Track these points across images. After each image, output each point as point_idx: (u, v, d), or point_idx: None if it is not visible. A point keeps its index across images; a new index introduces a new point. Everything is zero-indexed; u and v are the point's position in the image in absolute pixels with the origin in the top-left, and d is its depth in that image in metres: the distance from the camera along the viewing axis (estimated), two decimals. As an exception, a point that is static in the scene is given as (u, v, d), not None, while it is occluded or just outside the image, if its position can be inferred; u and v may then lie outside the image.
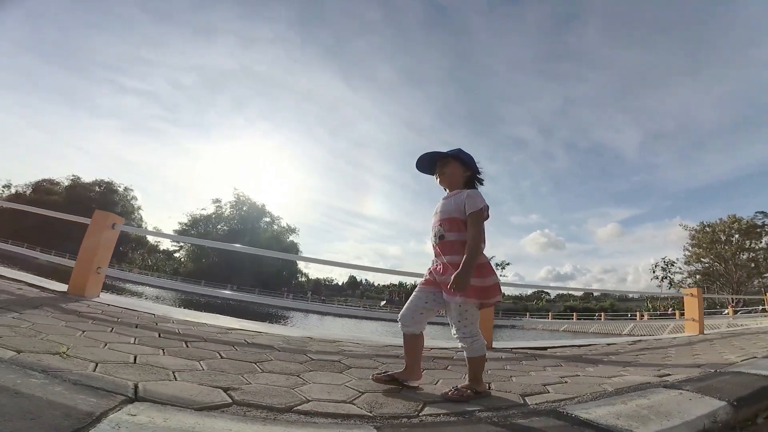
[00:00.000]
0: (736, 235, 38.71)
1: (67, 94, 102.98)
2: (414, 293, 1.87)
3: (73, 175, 55.38)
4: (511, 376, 2.31)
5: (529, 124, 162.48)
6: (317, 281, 78.08)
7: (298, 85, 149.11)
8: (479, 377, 1.77)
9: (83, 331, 2.14)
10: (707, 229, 40.25)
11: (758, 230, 38.02)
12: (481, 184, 1.96)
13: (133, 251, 56.59)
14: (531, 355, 3.28)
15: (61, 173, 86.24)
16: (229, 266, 48.21)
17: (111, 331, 2.31)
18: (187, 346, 2.19)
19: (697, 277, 39.91)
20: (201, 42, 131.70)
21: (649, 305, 40.73)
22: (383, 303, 69.78)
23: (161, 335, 2.42)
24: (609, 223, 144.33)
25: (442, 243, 1.81)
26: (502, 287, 1.91)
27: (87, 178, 56.27)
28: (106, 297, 3.72)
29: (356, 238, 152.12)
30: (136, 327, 2.56)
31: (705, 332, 6.03)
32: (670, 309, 34.22)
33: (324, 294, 67.36)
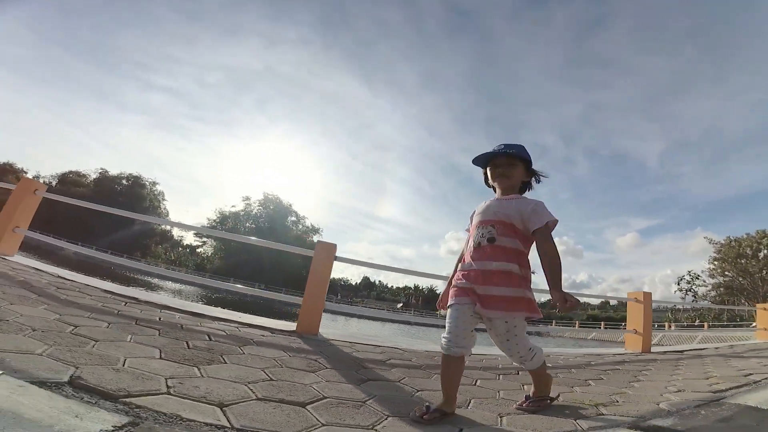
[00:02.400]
0: (765, 251, 38.15)
1: (95, 89, 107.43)
2: (455, 306, 1.60)
3: (101, 168, 57.31)
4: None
5: (551, 130, 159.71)
6: (333, 281, 78.61)
7: (320, 86, 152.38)
8: (547, 383, 1.77)
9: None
10: (733, 243, 39.92)
11: None
12: (529, 190, 1.79)
13: (156, 245, 58.50)
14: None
15: (88, 166, 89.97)
16: (257, 264, 49.01)
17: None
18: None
19: (721, 290, 39.52)
20: (228, 42, 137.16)
21: (671, 316, 40.28)
22: (400, 305, 69.88)
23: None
24: (628, 232, 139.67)
25: (491, 246, 1.61)
26: None
27: (113, 171, 58.09)
28: (20, 258, 3.89)
29: (370, 240, 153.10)
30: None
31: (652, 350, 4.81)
32: (697, 321, 34.14)
33: (340, 294, 67.91)
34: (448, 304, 1.64)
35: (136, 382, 1.31)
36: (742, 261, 38.35)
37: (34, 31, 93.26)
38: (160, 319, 2.49)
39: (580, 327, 39.70)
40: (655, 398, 2.08)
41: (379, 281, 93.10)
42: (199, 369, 1.60)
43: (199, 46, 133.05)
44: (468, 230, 1.81)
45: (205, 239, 58.38)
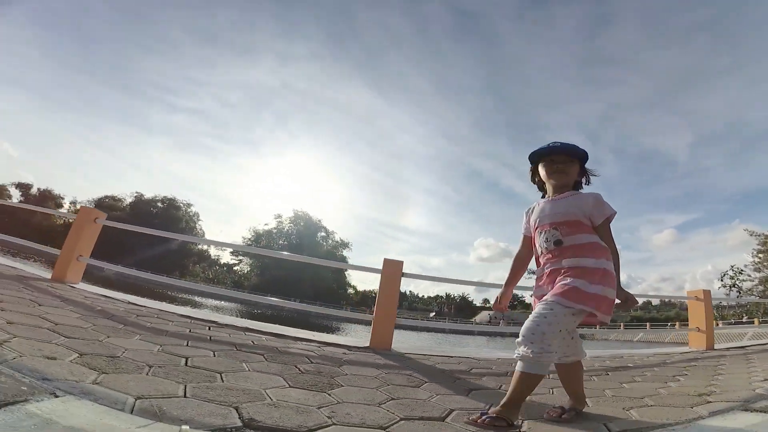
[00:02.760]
0: None
1: (121, 113, 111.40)
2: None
3: (137, 192, 59.74)
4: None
5: (575, 131, 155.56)
6: (364, 293, 78.67)
7: (335, 99, 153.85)
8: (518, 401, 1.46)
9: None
10: None
11: None
12: (580, 189, 1.74)
13: (194, 265, 60.44)
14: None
15: (119, 190, 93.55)
16: (291, 280, 50.38)
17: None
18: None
19: (767, 284, 37.17)
20: (244, 60, 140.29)
21: (717, 314, 38.22)
22: (432, 314, 69.15)
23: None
24: (664, 229, 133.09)
25: (558, 249, 1.58)
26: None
27: (147, 194, 60.19)
28: (84, 285, 3.99)
29: (397, 251, 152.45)
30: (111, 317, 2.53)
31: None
32: (745, 317, 32.72)
33: (371, 306, 67.77)
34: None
35: (302, 417, 1.29)
36: None
37: (51, 56, 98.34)
38: (253, 342, 2.54)
39: (625, 329, 38.01)
40: (747, 387, 2.28)
41: (410, 291, 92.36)
42: (329, 395, 1.63)
43: (217, 67, 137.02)
44: (524, 232, 1.80)
45: (241, 257, 60.02)
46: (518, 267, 1.83)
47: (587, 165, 1.73)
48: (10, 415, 0.91)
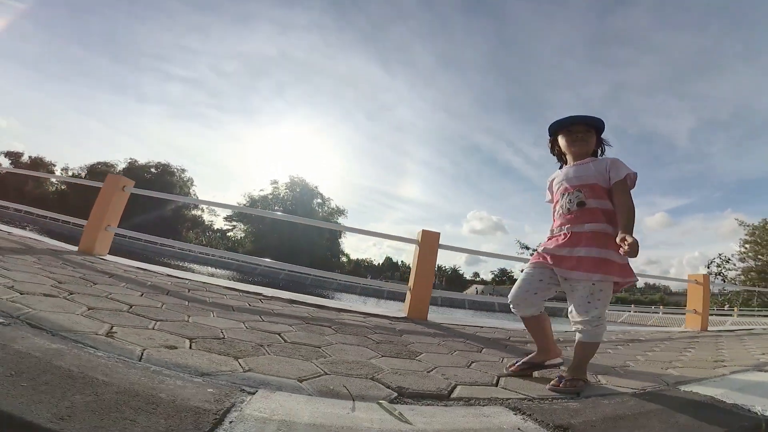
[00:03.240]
0: None
1: (114, 83, 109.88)
2: (525, 272, 1.71)
3: (131, 158, 58.46)
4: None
5: (576, 110, 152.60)
6: (357, 262, 79.55)
7: (336, 69, 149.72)
8: (585, 366, 1.63)
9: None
10: None
11: None
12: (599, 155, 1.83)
13: (187, 231, 60.11)
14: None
15: (114, 157, 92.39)
16: (285, 247, 49.62)
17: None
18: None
19: (752, 274, 38.10)
20: (241, 29, 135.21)
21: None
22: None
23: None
24: (656, 212, 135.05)
25: (581, 211, 1.64)
26: None
27: (141, 161, 59.04)
28: (112, 257, 3.89)
29: (392, 219, 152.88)
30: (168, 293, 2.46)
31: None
32: (726, 305, 33.46)
33: (363, 275, 68.64)
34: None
35: (428, 381, 1.44)
36: None
37: (45, 29, 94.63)
38: (310, 315, 2.60)
39: (610, 310, 39.08)
40: (749, 358, 2.67)
41: (401, 261, 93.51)
42: (420, 361, 1.76)
43: (213, 36, 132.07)
44: (549, 194, 1.88)
45: (235, 223, 59.63)
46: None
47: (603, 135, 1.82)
48: (243, 425, 0.84)
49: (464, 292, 65.33)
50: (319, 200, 60.62)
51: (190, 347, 1.39)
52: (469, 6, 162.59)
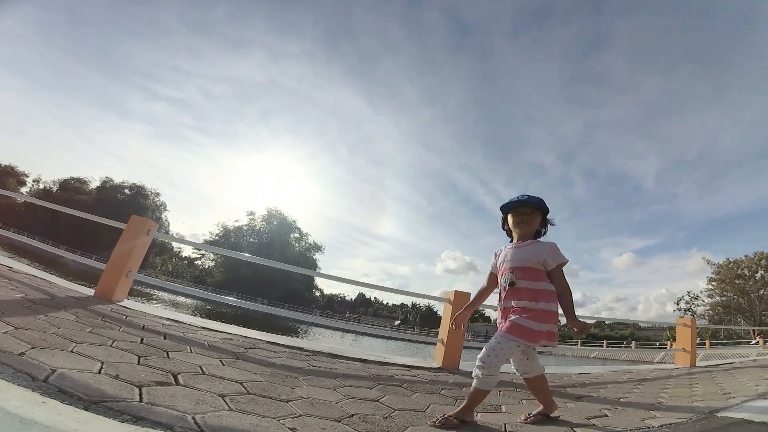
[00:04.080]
0: (761, 272, 40.15)
1: (101, 97, 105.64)
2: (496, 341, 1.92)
3: (107, 177, 56.44)
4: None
5: (549, 150, 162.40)
6: (330, 297, 77.77)
7: (323, 100, 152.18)
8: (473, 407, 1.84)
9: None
10: (731, 264, 41.58)
11: None
12: (542, 236, 2.07)
13: (154, 256, 57.56)
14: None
15: (88, 173, 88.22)
16: (259, 280, 48.06)
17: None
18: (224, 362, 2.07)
19: (719, 309, 41.22)
20: (234, 55, 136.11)
21: (670, 335, 41.70)
22: (397, 323, 69.21)
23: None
24: (624, 252, 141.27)
25: (512, 289, 1.90)
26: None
27: (116, 180, 57.14)
28: (129, 303, 3.66)
29: (367, 257, 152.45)
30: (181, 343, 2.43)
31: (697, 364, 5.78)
32: (698, 339, 34.95)
33: (337, 310, 67.08)
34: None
35: None
36: (739, 282, 39.95)
37: (43, 36, 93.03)
38: (368, 372, 2.70)
39: (582, 346, 39.85)
40: (750, 389, 3.08)
41: (375, 297, 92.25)
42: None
43: (206, 59, 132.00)
44: (491, 269, 2.13)
45: (203, 252, 57.51)
46: (479, 296, 2.18)
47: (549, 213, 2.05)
48: None
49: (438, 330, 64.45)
50: (297, 234, 59.59)
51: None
52: (455, 43, 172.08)
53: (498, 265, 2.06)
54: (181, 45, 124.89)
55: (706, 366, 5.80)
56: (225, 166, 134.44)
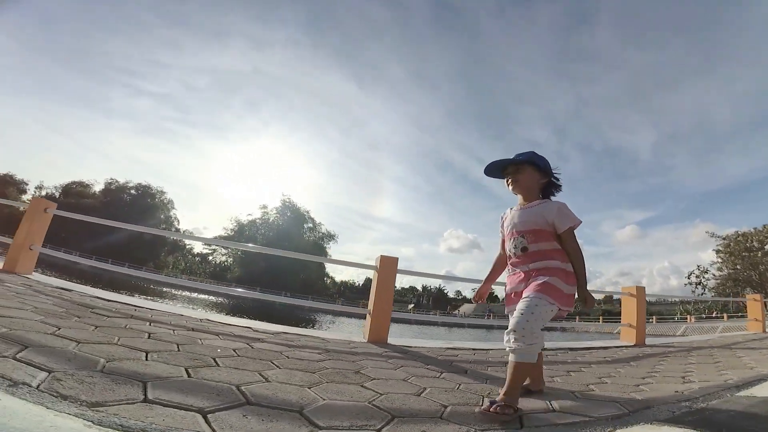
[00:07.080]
0: None
1: (83, 97, 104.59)
2: (510, 316, 1.70)
3: (111, 178, 56.52)
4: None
5: (543, 126, 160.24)
6: (342, 284, 78.81)
7: (310, 86, 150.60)
8: (516, 390, 1.54)
9: None
10: (740, 237, 41.14)
11: None
12: (559, 190, 1.85)
13: (167, 254, 58.66)
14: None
15: (84, 175, 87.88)
16: (275, 272, 48.79)
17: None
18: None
19: (729, 283, 40.41)
20: (214, 44, 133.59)
21: (683, 308, 41.23)
22: (411, 306, 69.61)
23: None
24: (627, 224, 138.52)
25: (525, 255, 1.73)
26: None
27: (120, 180, 56.66)
28: (39, 276, 4.05)
29: (369, 240, 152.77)
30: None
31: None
32: (715, 312, 35.33)
33: (350, 297, 68.02)
34: (506, 311, 1.79)
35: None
36: (750, 254, 39.29)
37: (15, 38, 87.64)
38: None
39: (580, 321, 40.51)
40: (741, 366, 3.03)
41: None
42: (366, 388, 1.73)
43: (185, 51, 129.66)
44: (501, 232, 1.94)
45: (214, 247, 58.32)
46: (498, 266, 1.98)
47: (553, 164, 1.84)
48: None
49: (459, 311, 64.47)
50: (310, 225, 59.87)
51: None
52: (440, 23, 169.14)
53: (505, 228, 1.88)
54: (159, 38, 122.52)
55: (652, 345, 4.60)
56: (217, 158, 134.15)
